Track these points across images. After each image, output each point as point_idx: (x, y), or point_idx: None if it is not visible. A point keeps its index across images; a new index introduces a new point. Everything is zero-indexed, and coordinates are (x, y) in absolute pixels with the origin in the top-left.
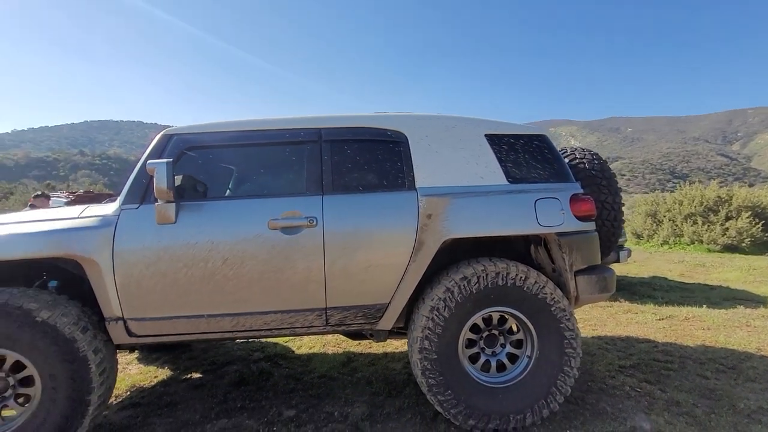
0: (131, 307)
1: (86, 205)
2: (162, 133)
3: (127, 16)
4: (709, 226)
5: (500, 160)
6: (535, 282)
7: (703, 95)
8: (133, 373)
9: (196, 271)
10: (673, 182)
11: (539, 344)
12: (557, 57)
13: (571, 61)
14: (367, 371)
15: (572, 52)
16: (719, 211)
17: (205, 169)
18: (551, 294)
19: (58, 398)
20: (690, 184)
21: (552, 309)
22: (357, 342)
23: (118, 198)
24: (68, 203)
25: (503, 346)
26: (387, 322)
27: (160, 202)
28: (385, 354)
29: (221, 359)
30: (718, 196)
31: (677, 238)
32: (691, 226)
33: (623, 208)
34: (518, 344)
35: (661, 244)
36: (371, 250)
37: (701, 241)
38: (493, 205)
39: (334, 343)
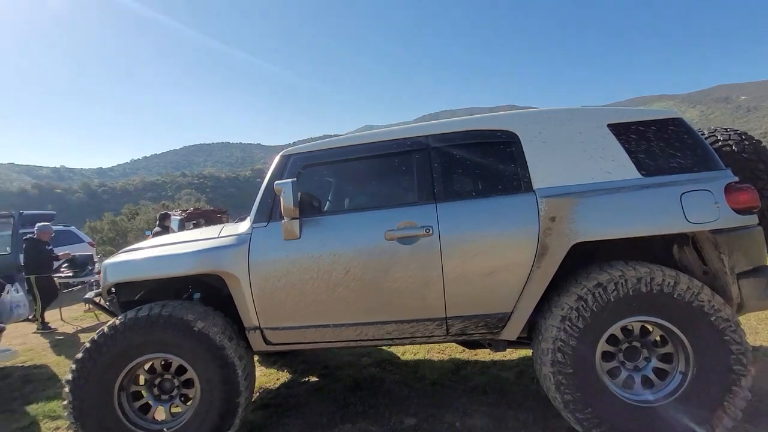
0: (266, 317)
1: (223, 225)
2: (280, 154)
3: (215, 57)
4: None
5: (629, 152)
6: (688, 288)
7: None
8: (258, 376)
9: (321, 283)
10: None
11: (696, 359)
12: (640, 28)
13: (658, 30)
14: (479, 380)
15: (661, 20)
16: None
17: (320, 185)
18: (709, 301)
19: (214, 399)
20: None
21: (712, 319)
22: (462, 349)
23: (249, 217)
24: (182, 219)
25: (647, 360)
26: (511, 332)
27: (285, 220)
28: (494, 362)
29: (332, 363)
30: None
31: None
32: None
33: None
34: (667, 358)
35: None
36: (489, 257)
37: None
38: (627, 203)
39: (438, 350)
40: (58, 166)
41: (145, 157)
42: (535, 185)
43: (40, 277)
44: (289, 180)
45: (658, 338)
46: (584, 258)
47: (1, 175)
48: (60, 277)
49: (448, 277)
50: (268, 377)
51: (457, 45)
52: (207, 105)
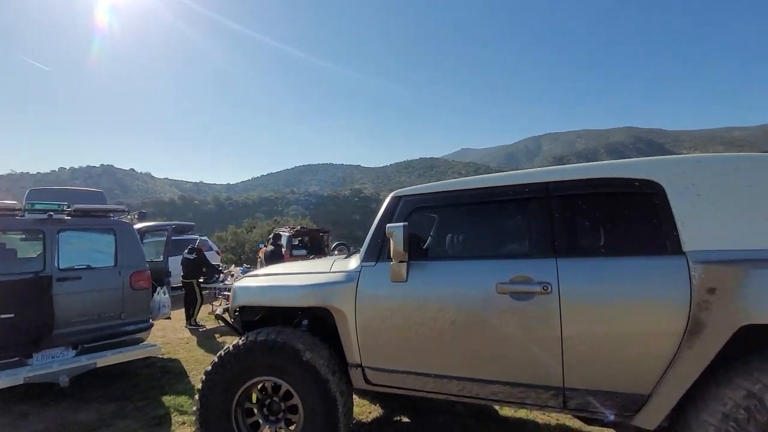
0: (369, 356)
1: (334, 259)
2: (392, 195)
3: (326, 79)
4: None
5: None
6: None
7: None
8: None
9: (425, 330)
10: None
11: None
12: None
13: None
14: None
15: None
16: None
17: (430, 228)
18: None
19: (315, 429)
20: None
21: None
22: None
23: (359, 255)
24: (290, 236)
25: None
26: (649, 420)
27: (394, 262)
28: None
29: (424, 404)
30: None
31: None
32: None
33: None
34: None
35: None
36: (618, 326)
37: None
38: None
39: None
40: (198, 181)
41: (263, 175)
42: (687, 247)
43: (199, 282)
44: (401, 224)
45: None
46: (743, 344)
47: (158, 187)
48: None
49: (567, 342)
50: (360, 408)
51: (561, 61)
52: (316, 127)
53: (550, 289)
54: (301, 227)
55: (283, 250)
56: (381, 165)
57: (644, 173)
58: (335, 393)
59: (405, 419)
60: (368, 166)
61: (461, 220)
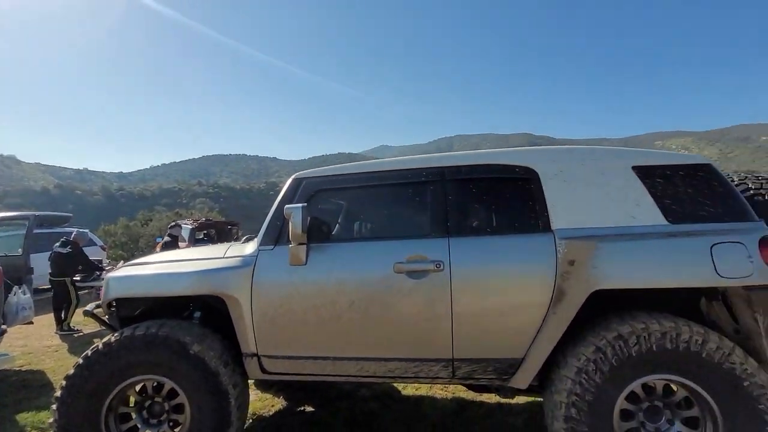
0: (265, 344)
1: (230, 244)
2: (293, 177)
3: (236, 61)
4: None
5: (655, 197)
6: (718, 347)
7: None
8: (253, 400)
9: (324, 313)
10: None
11: (727, 428)
12: (660, 63)
13: (681, 65)
14: (484, 424)
15: (684, 57)
16: None
17: (331, 210)
18: (742, 364)
19: (203, 428)
20: None
21: (745, 384)
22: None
23: (256, 239)
24: (193, 229)
25: (671, 423)
26: (522, 380)
27: (293, 244)
28: (500, 405)
29: (331, 393)
30: None
31: None
32: None
33: None
34: (693, 423)
35: None
36: (501, 298)
37: None
38: (653, 251)
39: (442, 386)
40: (81, 168)
41: (164, 164)
42: (554, 225)
43: (74, 281)
44: (300, 205)
45: (682, 400)
46: (603, 306)
47: (27, 173)
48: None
49: (457, 316)
50: (263, 402)
51: (476, 70)
52: (228, 115)
53: (442, 267)
54: (206, 219)
55: (184, 243)
56: (298, 158)
57: (523, 160)
58: (227, 386)
59: (309, 409)
60: (285, 159)
61: (362, 203)
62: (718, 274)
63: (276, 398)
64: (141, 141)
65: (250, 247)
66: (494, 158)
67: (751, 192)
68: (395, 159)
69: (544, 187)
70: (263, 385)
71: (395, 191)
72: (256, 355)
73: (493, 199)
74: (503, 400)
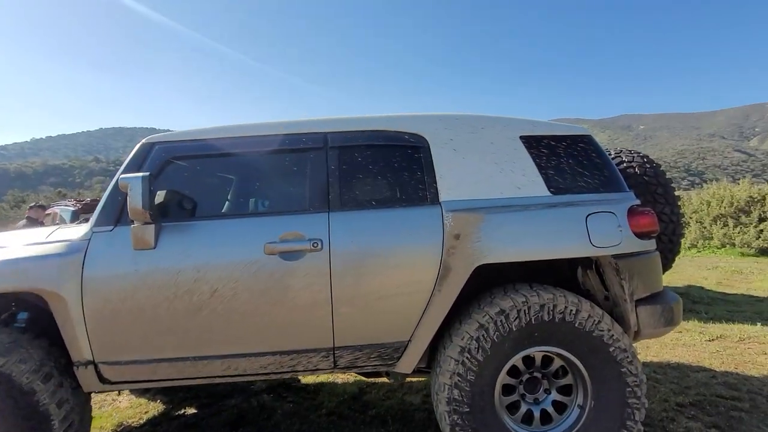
0: (104, 349)
1: (58, 226)
2: (142, 141)
3: (136, 24)
4: (741, 228)
5: (539, 167)
6: (589, 316)
7: (717, 90)
8: (123, 407)
9: (180, 305)
10: (689, 180)
11: (594, 392)
12: (565, 52)
13: (582, 55)
14: (382, 407)
15: (583, 47)
16: (751, 212)
17: (193, 183)
18: (609, 330)
19: None
20: (717, 183)
21: (610, 349)
22: None
23: (91, 218)
24: (76, 211)
25: (548, 392)
26: (407, 365)
27: (136, 224)
28: (401, 384)
29: (221, 389)
30: (750, 196)
31: (706, 241)
32: (721, 228)
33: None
34: (566, 390)
35: (689, 247)
36: (386, 277)
37: (733, 245)
38: (535, 222)
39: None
40: None
41: (50, 136)
42: (442, 197)
43: None
44: (140, 174)
45: (559, 369)
46: (490, 281)
47: None
48: None
49: (337, 300)
50: (134, 410)
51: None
52: (132, 84)
53: (320, 246)
54: (92, 200)
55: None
56: None
57: (414, 128)
58: (47, 406)
59: (191, 411)
60: None
61: (230, 173)
62: (592, 244)
63: (152, 402)
64: (18, 110)
65: (81, 230)
66: (383, 124)
67: (625, 165)
68: (270, 122)
69: (433, 156)
70: (137, 390)
71: (269, 159)
72: (92, 362)
73: (380, 168)
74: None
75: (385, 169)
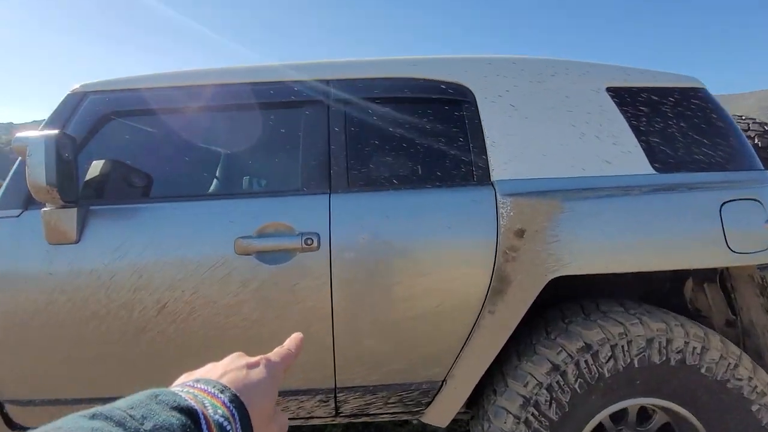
0: (9, 384)
1: None
2: (70, 91)
3: None
4: None
5: (638, 132)
6: (721, 358)
7: (747, 71)
8: None
9: (115, 325)
10: None
11: None
12: (586, 32)
13: (604, 33)
14: None
15: (605, 26)
16: None
17: (143, 150)
18: (750, 379)
19: None
20: None
21: (752, 408)
22: None
23: None
24: None
25: None
26: (440, 416)
27: (49, 208)
28: None
29: None
30: None
31: None
32: None
33: None
34: None
35: None
36: (411, 291)
37: None
38: (641, 213)
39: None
40: None
41: None
42: (496, 175)
43: None
44: (44, 133)
45: (660, 428)
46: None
47: None
48: None
49: (340, 321)
50: None
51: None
52: None
53: (316, 243)
54: None
55: None
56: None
57: (453, 74)
58: None
59: None
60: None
61: (191, 137)
62: (730, 248)
63: None
64: None
65: None
66: (410, 69)
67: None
68: (250, 66)
69: (481, 115)
70: None
71: (247, 118)
72: None
73: (404, 132)
74: None
75: (411, 133)
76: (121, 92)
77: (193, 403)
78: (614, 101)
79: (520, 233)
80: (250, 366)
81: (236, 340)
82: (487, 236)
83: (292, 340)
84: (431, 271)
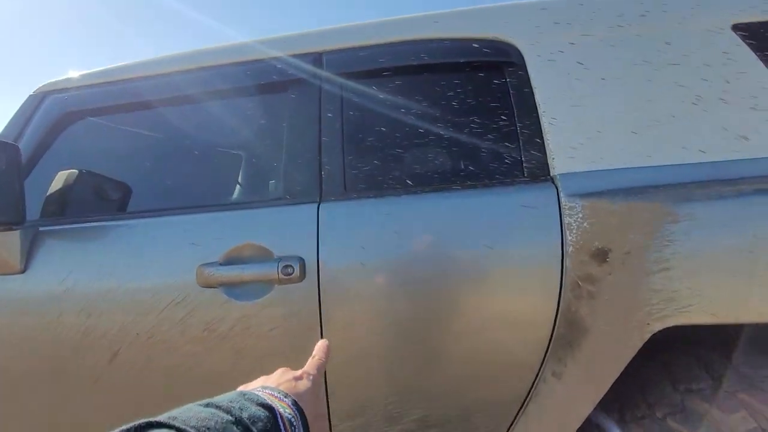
0: None
1: None
2: (32, 93)
3: None
4: None
5: None
6: None
7: None
8: None
9: (66, 374)
10: None
11: None
12: None
13: None
14: None
15: None
16: None
17: (107, 155)
18: None
19: None
20: None
21: None
22: None
23: None
24: None
25: None
26: None
27: None
28: None
29: None
30: None
31: None
32: None
33: None
34: None
35: None
36: (431, 343)
37: None
38: None
39: None
40: None
41: None
42: (558, 167)
43: None
44: None
45: None
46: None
47: None
48: None
49: (332, 382)
50: None
51: None
52: None
53: (298, 272)
54: None
55: None
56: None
57: (489, 28)
58: None
59: None
60: None
61: (157, 135)
62: None
63: None
64: None
65: None
66: (429, 28)
67: None
68: (227, 45)
69: (533, 82)
70: None
71: (218, 106)
72: None
73: (421, 116)
74: None
75: (432, 115)
76: (77, 90)
77: (270, 402)
78: (748, 44)
79: (602, 256)
80: (297, 378)
81: (208, 393)
82: (547, 259)
83: (319, 349)
84: (461, 312)
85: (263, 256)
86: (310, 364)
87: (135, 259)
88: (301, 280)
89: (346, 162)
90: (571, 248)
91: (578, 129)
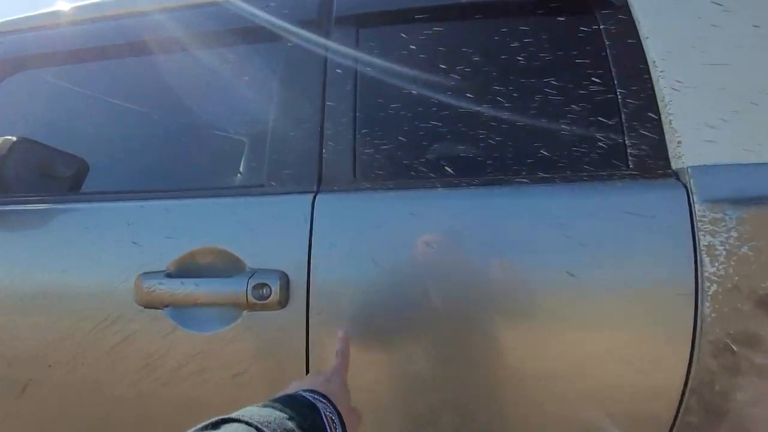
0: None
1: None
2: None
3: None
4: None
5: None
6: None
7: None
8: None
9: None
10: None
11: None
12: None
13: None
14: None
15: None
16: None
17: (59, 116)
18: None
19: None
20: None
21: None
22: None
23: None
24: None
25: None
26: None
27: None
28: None
29: None
30: None
31: None
32: None
33: None
34: None
35: None
36: (474, 401)
37: None
38: None
39: None
40: None
41: None
42: (688, 157)
43: None
44: None
45: None
46: None
47: None
48: None
49: None
50: None
51: None
52: None
53: (278, 294)
54: None
55: None
56: None
57: None
58: None
59: None
60: None
61: (102, 96)
62: None
63: None
64: None
65: None
66: None
67: None
68: None
69: (642, 32)
70: None
71: (189, 59)
72: None
73: (468, 76)
74: None
75: (485, 74)
76: (15, 33)
77: (313, 401)
78: None
79: (764, 299)
80: (328, 380)
81: None
82: (672, 298)
83: (340, 346)
84: (521, 374)
85: (229, 267)
86: (338, 364)
87: (58, 260)
88: (282, 306)
89: (358, 138)
90: (714, 287)
91: (719, 99)
